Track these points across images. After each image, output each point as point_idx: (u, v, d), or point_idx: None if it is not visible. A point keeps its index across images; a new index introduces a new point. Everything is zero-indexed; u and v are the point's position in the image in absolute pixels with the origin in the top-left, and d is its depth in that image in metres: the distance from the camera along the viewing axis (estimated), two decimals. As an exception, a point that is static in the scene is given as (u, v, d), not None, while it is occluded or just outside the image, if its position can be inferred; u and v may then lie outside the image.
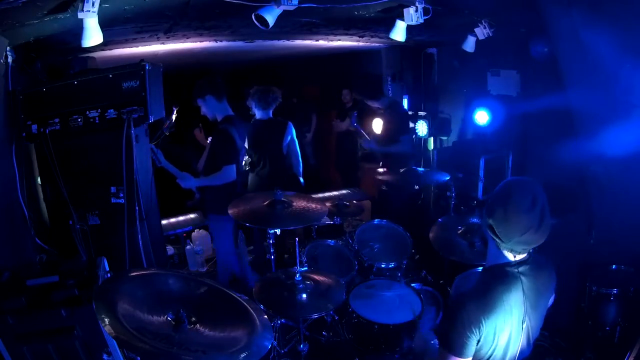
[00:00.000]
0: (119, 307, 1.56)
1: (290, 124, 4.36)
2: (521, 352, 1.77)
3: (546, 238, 1.64)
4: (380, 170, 4.70)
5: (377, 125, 5.15)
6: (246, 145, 4.15)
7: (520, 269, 1.68)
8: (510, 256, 1.68)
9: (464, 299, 1.64)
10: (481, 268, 2.94)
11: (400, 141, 4.60)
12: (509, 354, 1.73)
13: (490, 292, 1.62)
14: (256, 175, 4.39)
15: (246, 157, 4.34)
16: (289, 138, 4.30)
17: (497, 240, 1.65)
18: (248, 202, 3.26)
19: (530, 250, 1.71)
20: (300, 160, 4.53)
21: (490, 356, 1.68)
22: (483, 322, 1.58)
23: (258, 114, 4.29)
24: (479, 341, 1.62)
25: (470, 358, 1.63)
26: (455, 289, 2.98)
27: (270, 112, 4.31)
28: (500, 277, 1.66)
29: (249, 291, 2.93)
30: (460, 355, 1.60)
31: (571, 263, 3.13)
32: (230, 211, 3.09)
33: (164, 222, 4.64)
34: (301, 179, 4.62)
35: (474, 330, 1.58)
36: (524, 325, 1.71)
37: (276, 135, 4.27)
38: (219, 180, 3.55)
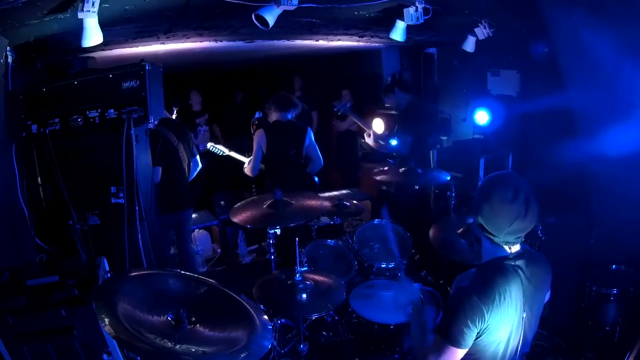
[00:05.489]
0: (119, 307, 1.56)
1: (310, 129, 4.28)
2: (521, 347, 1.78)
3: (535, 223, 1.70)
4: (377, 171, 4.67)
5: (377, 125, 5.15)
6: (263, 147, 4.13)
7: (518, 262, 1.71)
8: (508, 249, 1.71)
9: (465, 291, 1.66)
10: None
11: (393, 139, 4.56)
12: (510, 348, 1.74)
13: (491, 285, 1.64)
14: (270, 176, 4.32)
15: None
16: (307, 142, 4.22)
17: (489, 236, 1.71)
18: (249, 207, 3.27)
19: (522, 240, 1.74)
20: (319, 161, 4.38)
21: (492, 349, 1.70)
22: (485, 314, 1.60)
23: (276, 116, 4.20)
24: (480, 335, 1.64)
25: (466, 350, 1.65)
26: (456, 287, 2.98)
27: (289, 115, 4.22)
28: (499, 270, 1.69)
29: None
30: (458, 346, 1.63)
31: (571, 263, 3.13)
32: (235, 219, 3.10)
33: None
34: (316, 178, 4.57)
35: (475, 322, 1.60)
36: (524, 318, 1.73)
37: (296, 139, 4.20)
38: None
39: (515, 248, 1.72)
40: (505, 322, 1.67)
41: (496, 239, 1.70)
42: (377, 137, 4.88)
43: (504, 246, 1.71)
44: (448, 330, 1.64)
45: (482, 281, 1.67)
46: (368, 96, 6.41)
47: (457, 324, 1.61)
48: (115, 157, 2.71)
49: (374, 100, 6.14)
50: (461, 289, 1.71)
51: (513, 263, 1.70)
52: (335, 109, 5.18)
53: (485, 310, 1.60)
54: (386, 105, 4.87)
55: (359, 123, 5.15)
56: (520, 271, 1.70)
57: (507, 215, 1.64)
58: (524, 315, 1.73)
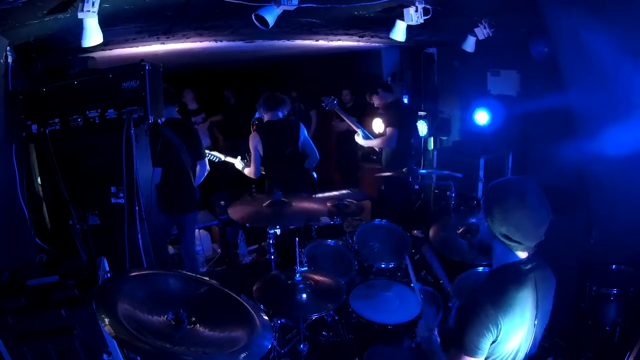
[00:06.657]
0: (119, 307, 1.56)
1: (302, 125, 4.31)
2: (529, 351, 1.77)
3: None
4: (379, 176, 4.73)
5: (377, 125, 5.16)
6: (260, 150, 4.12)
7: (530, 266, 1.67)
8: (521, 255, 1.68)
9: (480, 299, 1.62)
10: (481, 268, 2.96)
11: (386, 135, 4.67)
12: (521, 353, 1.72)
13: (507, 291, 1.60)
14: (269, 177, 4.31)
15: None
16: (302, 138, 4.24)
17: (512, 244, 1.65)
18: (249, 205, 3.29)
19: None
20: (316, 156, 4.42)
21: (504, 356, 1.67)
22: (500, 322, 1.57)
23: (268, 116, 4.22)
24: (494, 341, 1.61)
25: (483, 358, 1.61)
26: (457, 287, 2.98)
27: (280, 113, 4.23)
28: (514, 277, 1.64)
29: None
30: (474, 355, 1.58)
31: (571, 263, 3.13)
32: (234, 216, 3.12)
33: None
34: (314, 174, 4.58)
35: (490, 330, 1.56)
36: (536, 323, 1.71)
37: (291, 137, 4.20)
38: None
39: (527, 253, 1.69)
40: (518, 329, 1.64)
41: (520, 247, 1.65)
42: (372, 136, 4.95)
43: (522, 252, 1.67)
44: (463, 340, 1.59)
45: (497, 289, 1.62)
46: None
47: (471, 334, 1.57)
48: (115, 157, 2.71)
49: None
50: (474, 297, 1.66)
51: (526, 267, 1.66)
52: (323, 104, 5.33)
53: (500, 319, 1.56)
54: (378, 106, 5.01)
55: (347, 120, 5.24)
56: (533, 276, 1.66)
57: (537, 221, 1.61)
58: (536, 322, 1.70)
